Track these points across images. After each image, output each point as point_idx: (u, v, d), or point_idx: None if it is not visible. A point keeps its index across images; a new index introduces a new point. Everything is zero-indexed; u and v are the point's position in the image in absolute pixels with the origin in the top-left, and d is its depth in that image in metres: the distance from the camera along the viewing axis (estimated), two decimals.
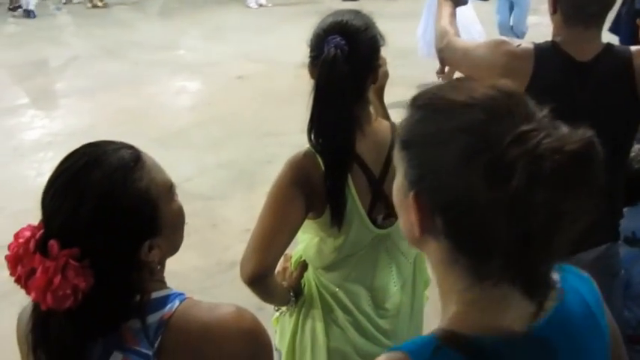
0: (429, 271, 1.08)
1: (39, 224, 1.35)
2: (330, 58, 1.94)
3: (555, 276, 1.12)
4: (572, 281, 1.17)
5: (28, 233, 1.32)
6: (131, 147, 1.42)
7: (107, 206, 1.32)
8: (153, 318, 1.36)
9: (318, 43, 2.00)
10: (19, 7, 13.49)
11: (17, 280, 1.31)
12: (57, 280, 1.27)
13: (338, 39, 1.96)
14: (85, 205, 1.31)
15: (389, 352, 1.08)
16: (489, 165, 0.97)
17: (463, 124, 1.02)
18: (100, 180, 1.33)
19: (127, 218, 1.33)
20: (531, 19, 8.82)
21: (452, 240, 1.05)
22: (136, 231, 1.36)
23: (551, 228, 0.97)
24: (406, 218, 1.12)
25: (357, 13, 2.09)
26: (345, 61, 1.94)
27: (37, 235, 1.32)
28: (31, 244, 1.31)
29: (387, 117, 2.30)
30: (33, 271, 1.29)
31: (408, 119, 1.12)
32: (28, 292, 1.30)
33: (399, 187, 1.13)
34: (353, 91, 1.98)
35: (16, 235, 1.33)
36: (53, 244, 1.29)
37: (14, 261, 1.31)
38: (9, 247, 1.33)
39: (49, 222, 1.33)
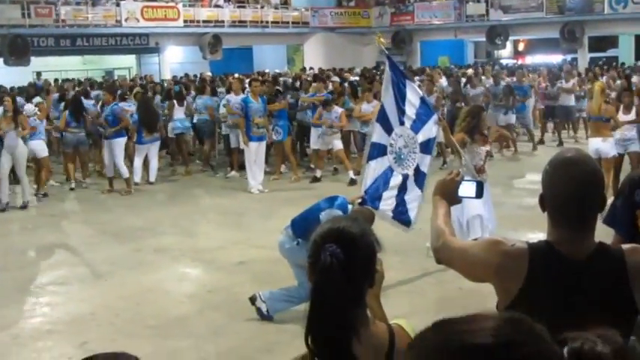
0: None
1: None
2: (327, 267, 1.98)
3: None
4: None
5: None
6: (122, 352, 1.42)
7: None
8: None
9: (316, 250, 2.06)
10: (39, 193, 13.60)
11: None
12: None
13: (334, 247, 2.01)
14: None
15: None
16: None
17: None
18: None
19: None
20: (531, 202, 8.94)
21: None
22: None
23: None
24: None
25: (354, 220, 2.16)
26: (341, 269, 1.98)
27: None
28: None
29: (384, 319, 2.31)
30: None
31: None
32: None
33: None
34: (350, 297, 2.00)
35: None
36: None
37: None
38: None
39: None
